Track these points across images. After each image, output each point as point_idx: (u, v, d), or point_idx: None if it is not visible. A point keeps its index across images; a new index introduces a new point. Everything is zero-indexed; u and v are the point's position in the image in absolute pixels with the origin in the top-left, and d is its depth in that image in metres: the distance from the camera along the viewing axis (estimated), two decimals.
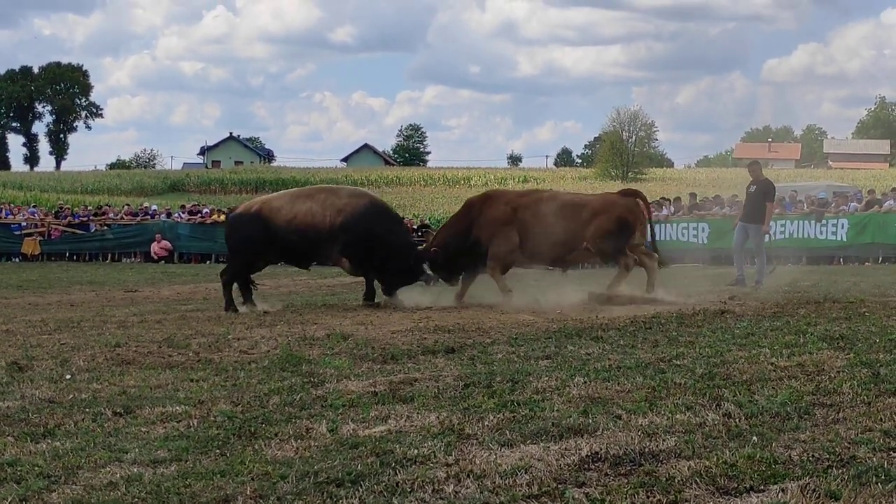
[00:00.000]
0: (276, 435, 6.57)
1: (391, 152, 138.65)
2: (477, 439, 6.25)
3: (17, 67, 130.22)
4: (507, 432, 6.37)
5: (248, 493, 5.21)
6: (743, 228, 20.74)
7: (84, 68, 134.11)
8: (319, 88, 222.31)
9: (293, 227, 16.08)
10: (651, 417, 6.72)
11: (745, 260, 21.34)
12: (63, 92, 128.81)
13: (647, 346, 10.26)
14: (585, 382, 8.05)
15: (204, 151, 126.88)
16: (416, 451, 5.92)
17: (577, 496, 5.05)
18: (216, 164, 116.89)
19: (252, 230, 16.31)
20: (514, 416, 6.85)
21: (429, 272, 16.46)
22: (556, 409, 7.09)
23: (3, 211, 41.14)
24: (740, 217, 21.33)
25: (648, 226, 17.20)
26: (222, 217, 38.33)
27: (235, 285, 16.61)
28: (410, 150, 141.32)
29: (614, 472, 5.48)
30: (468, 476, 5.41)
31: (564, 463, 5.61)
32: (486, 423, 6.69)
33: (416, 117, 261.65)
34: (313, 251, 16.51)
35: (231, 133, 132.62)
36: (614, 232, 16.54)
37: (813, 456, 5.65)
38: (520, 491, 5.13)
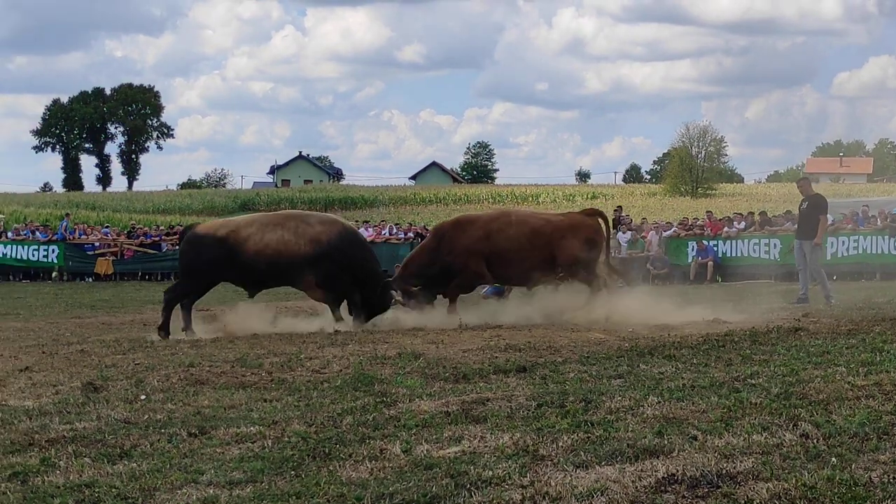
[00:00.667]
0: (350, 456, 6.58)
1: (459, 170, 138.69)
2: (551, 460, 6.22)
3: (89, 89, 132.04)
4: (582, 453, 6.33)
5: None
6: (800, 245, 20.63)
7: (155, 89, 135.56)
8: (388, 107, 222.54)
9: (263, 256, 15.61)
10: (727, 438, 6.64)
11: (809, 277, 21.13)
12: (135, 113, 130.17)
13: (721, 364, 10.15)
14: (659, 402, 7.98)
15: (274, 170, 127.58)
16: (490, 473, 5.90)
17: None
18: (286, 182, 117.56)
19: (216, 255, 15.70)
20: (588, 437, 6.81)
21: (399, 299, 16.30)
22: (630, 429, 7.03)
23: (77, 231, 41.60)
24: (796, 235, 21.26)
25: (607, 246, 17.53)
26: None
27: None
28: (478, 168, 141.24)
29: (691, 494, 5.43)
30: (544, 498, 5.38)
31: (641, 485, 5.56)
32: (561, 443, 6.66)
33: (484, 135, 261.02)
34: (281, 279, 16.15)
35: (300, 152, 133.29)
36: (584, 251, 16.79)
37: (894, 478, 5.56)
38: None
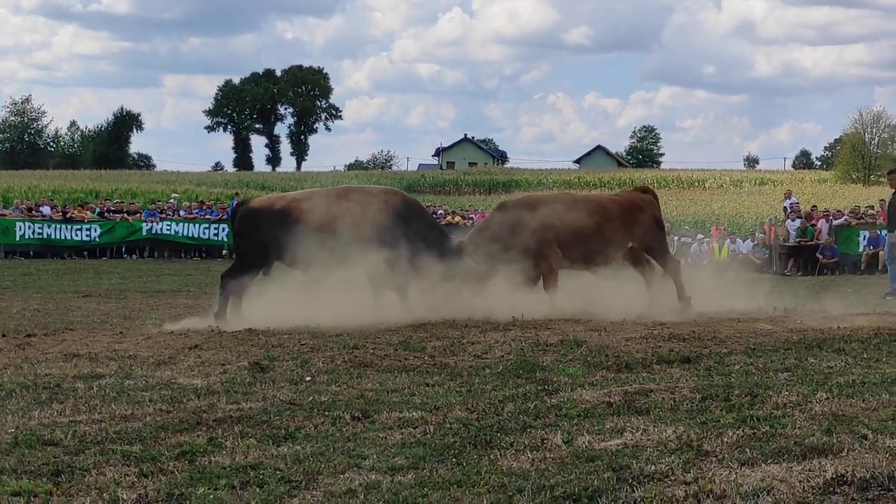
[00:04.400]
0: (511, 445, 6.57)
1: (624, 154, 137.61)
2: (716, 456, 6.12)
3: (260, 70, 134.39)
4: (748, 450, 6.21)
5: None
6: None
7: (324, 71, 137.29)
8: (553, 90, 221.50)
9: (329, 229, 14.31)
10: None
11: None
12: (304, 94, 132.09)
13: (893, 359, 9.89)
14: (828, 398, 7.81)
15: (439, 153, 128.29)
16: (653, 468, 5.83)
17: None
18: (450, 165, 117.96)
19: (278, 229, 14.44)
20: (754, 433, 6.68)
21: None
22: (798, 426, 6.89)
23: None
24: (888, 228, 21.11)
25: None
26: (457, 219, 38.62)
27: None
28: (644, 152, 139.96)
29: (861, 496, 5.28)
30: (707, 496, 5.29)
31: (808, 485, 5.43)
32: (725, 439, 6.55)
33: (650, 118, 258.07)
34: (345, 255, 14.31)
35: (465, 135, 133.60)
36: (658, 229, 16.29)
37: None
38: None
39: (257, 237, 14.76)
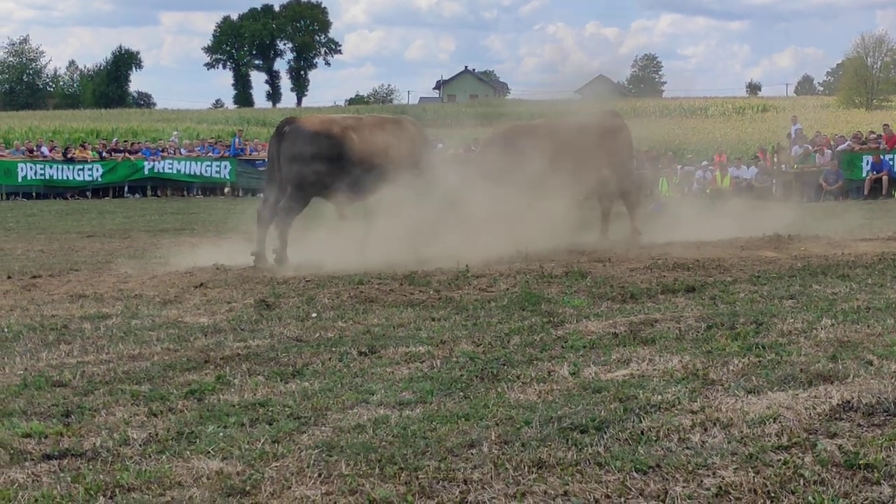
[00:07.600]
0: (518, 377, 6.59)
1: (626, 83, 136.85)
2: (722, 385, 6.14)
3: (258, 6, 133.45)
4: (753, 378, 6.23)
5: (493, 438, 5.24)
6: None
7: (323, 5, 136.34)
8: (553, 20, 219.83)
9: (377, 159, 13.77)
10: None
11: None
12: (303, 29, 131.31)
13: None
14: (833, 325, 7.82)
15: (440, 86, 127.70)
16: (659, 397, 5.86)
17: (829, 448, 4.89)
18: (452, 97, 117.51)
19: (336, 157, 13.76)
20: (759, 361, 6.70)
21: None
22: (803, 353, 6.90)
23: (248, 147, 42.17)
24: None
25: None
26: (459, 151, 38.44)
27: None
28: (646, 81, 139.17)
29: (867, 422, 5.30)
30: (714, 424, 5.31)
31: (815, 412, 5.45)
32: (731, 367, 6.57)
33: (651, 47, 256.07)
34: (377, 187, 13.78)
35: (466, 67, 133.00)
36: (628, 155, 16.03)
37: None
38: (769, 441, 5.01)
39: (318, 163, 13.82)
